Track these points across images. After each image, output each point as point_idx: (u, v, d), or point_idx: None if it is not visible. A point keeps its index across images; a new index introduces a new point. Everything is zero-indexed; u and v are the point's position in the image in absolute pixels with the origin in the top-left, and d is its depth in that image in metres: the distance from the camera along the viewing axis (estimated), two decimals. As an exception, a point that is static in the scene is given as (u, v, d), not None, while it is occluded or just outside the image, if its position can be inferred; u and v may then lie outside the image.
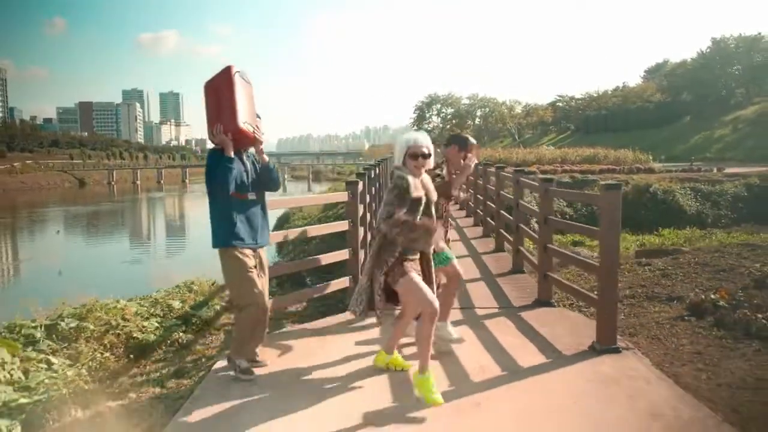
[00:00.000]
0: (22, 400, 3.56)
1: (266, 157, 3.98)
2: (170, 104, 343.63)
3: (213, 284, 6.85)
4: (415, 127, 75.38)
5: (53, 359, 4.30)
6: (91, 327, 4.74)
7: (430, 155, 3.42)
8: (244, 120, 3.72)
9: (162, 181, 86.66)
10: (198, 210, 45.09)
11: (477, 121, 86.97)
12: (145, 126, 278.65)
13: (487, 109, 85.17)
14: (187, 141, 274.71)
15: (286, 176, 79.36)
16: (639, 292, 5.86)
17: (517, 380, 3.54)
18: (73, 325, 4.68)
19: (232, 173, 3.70)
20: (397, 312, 3.78)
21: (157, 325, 5.06)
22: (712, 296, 5.10)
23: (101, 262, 21.46)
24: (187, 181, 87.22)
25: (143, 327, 4.95)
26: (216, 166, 3.74)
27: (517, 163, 27.20)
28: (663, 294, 5.67)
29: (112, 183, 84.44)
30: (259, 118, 3.96)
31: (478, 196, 11.16)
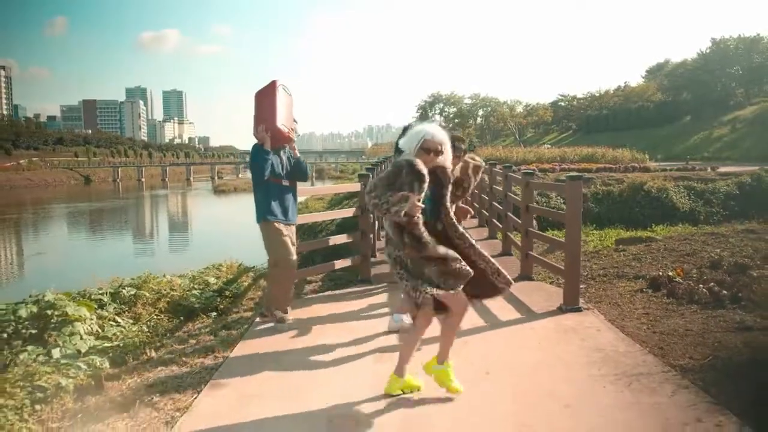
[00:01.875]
0: (105, 345, 4.50)
1: (298, 153, 5.00)
2: (173, 102, 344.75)
3: (240, 265, 7.78)
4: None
5: (119, 319, 5.24)
6: (147, 294, 5.69)
7: (442, 153, 3.20)
8: (281, 122, 4.71)
9: (167, 179, 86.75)
10: (204, 208, 46.06)
11: (479, 120, 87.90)
12: (148, 124, 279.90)
13: (489, 109, 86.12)
14: (190, 139, 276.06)
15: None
16: (611, 272, 6.76)
17: (497, 329, 4.52)
18: (132, 292, 5.63)
19: (268, 162, 4.75)
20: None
21: (198, 295, 5.99)
22: (670, 273, 6.01)
23: (116, 254, 22.43)
24: (191, 178, 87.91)
25: (188, 296, 5.89)
26: (256, 156, 4.75)
27: (517, 162, 28.06)
28: (631, 273, 6.57)
29: (118, 180, 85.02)
30: (296, 122, 4.98)
31: (474, 191, 12.10)
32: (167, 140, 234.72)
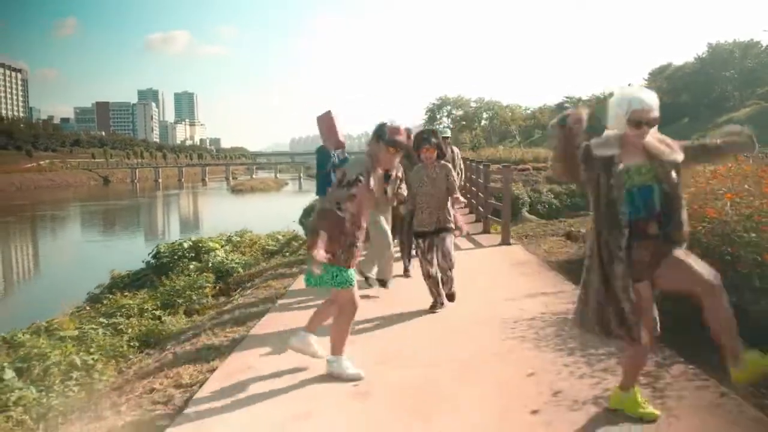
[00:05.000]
0: (239, 260, 7.80)
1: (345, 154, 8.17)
2: (185, 104, 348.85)
3: (293, 232, 11.06)
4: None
5: (233, 254, 8.54)
6: (246, 241, 9.02)
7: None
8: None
9: (182, 180, 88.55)
10: (217, 205, 48.62)
11: (483, 122, 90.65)
12: (160, 125, 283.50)
13: (492, 112, 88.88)
14: (201, 140, 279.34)
15: (301, 175, 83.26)
16: (549, 231, 9.94)
17: (467, 251, 7.76)
18: (237, 239, 8.97)
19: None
20: None
21: (274, 244, 9.30)
22: (581, 229, 9.22)
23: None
24: (206, 179, 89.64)
25: (269, 244, 9.19)
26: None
27: (515, 161, 31.14)
28: (560, 232, 9.77)
29: (135, 181, 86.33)
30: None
31: (465, 183, 15.29)
32: (179, 141, 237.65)
